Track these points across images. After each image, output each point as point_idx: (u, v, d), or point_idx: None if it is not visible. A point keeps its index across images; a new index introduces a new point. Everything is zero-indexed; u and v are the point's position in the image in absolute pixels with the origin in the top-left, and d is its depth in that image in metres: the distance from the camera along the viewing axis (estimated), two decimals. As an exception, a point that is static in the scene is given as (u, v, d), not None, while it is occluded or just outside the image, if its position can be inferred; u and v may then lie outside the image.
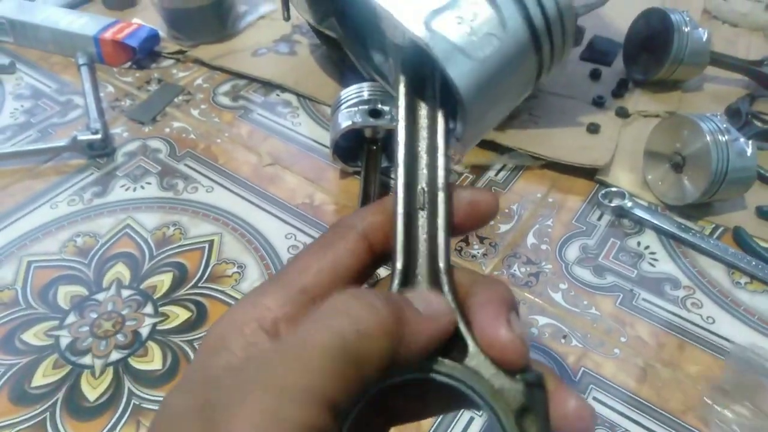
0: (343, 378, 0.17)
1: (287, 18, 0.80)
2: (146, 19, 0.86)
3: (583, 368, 0.49)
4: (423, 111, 0.25)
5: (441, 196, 0.23)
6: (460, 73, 0.23)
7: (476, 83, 0.24)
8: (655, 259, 0.57)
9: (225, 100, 0.75)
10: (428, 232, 0.23)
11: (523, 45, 0.25)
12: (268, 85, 0.77)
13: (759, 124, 0.67)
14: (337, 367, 0.17)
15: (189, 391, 0.19)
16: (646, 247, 0.58)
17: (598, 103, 0.73)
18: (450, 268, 0.23)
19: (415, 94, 0.25)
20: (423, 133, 0.25)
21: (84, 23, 0.81)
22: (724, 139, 0.56)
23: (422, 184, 0.24)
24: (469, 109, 0.24)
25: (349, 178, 0.65)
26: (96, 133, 0.66)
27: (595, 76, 0.78)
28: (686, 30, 0.70)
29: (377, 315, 0.19)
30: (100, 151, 0.66)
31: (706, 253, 0.57)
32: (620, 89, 0.75)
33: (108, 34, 0.79)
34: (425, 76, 0.25)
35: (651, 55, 0.74)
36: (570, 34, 0.27)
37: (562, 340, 0.50)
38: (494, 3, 0.24)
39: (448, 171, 0.24)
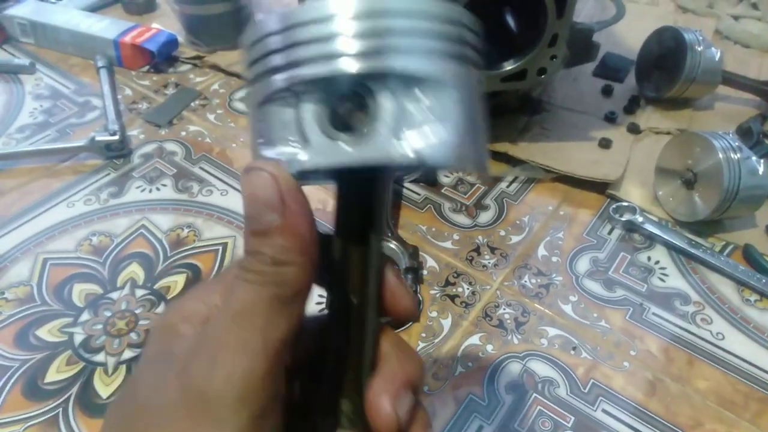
0: (280, 316, 0.21)
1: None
2: (165, 25, 0.87)
3: (592, 380, 0.49)
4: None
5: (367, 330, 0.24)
6: (450, 151, 0.21)
7: (464, 142, 0.21)
8: (666, 275, 0.58)
9: (241, 106, 0.76)
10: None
11: (465, 76, 0.22)
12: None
13: (770, 143, 0.68)
14: (273, 310, 0.21)
15: (159, 363, 0.22)
16: (657, 262, 0.59)
17: (610, 118, 0.74)
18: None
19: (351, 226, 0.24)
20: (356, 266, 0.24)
21: (104, 26, 0.83)
22: (736, 157, 0.56)
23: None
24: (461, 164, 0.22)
25: (362, 185, 0.65)
26: (114, 134, 0.67)
27: (607, 92, 0.78)
28: (699, 49, 0.71)
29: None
30: (117, 152, 0.67)
31: (716, 269, 0.57)
32: (632, 105, 0.76)
33: (127, 38, 0.80)
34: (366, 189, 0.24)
35: (663, 72, 0.75)
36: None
37: (572, 352, 0.51)
38: (423, 79, 0.21)
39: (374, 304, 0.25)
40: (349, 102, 0.21)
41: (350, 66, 0.20)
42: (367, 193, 0.24)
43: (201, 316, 0.23)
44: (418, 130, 0.20)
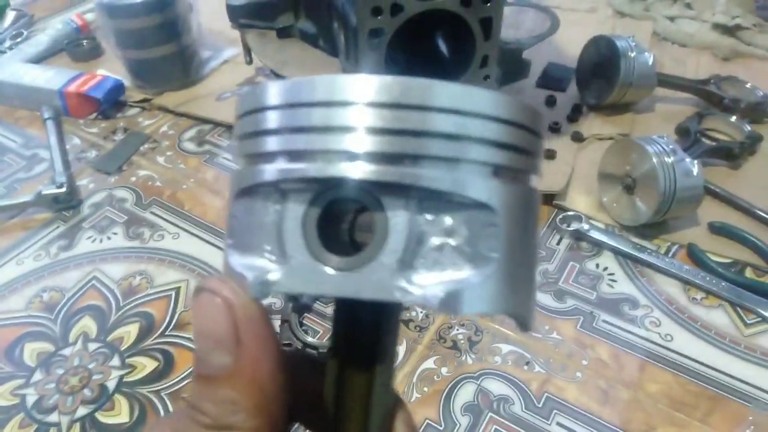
0: None
1: (249, 62, 0.82)
2: (113, 69, 0.87)
3: (546, 393, 0.49)
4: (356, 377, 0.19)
5: None
6: (481, 302, 0.16)
7: (502, 292, 0.16)
8: (614, 280, 0.59)
9: (190, 146, 0.77)
10: None
11: (523, 198, 0.17)
12: (233, 129, 0.79)
13: (707, 141, 0.70)
14: None
15: None
16: (605, 269, 0.60)
17: (554, 129, 0.75)
18: None
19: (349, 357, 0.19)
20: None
21: (49, 77, 0.83)
22: (669, 160, 0.58)
23: None
24: (514, 316, 0.17)
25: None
26: (61, 186, 0.67)
27: (550, 102, 0.80)
28: (632, 55, 0.73)
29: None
30: (66, 204, 0.67)
31: (662, 271, 0.59)
32: (575, 114, 0.77)
33: (72, 87, 0.80)
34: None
35: (602, 79, 0.77)
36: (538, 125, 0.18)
37: (525, 367, 0.51)
38: (455, 198, 0.16)
39: None
40: (350, 215, 0.16)
41: (358, 170, 0.15)
42: (374, 319, 0.19)
43: None
44: (436, 267, 0.16)
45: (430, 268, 0.16)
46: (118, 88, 0.83)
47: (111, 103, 0.82)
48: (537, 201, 0.17)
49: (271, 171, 0.16)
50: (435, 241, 0.16)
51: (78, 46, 0.94)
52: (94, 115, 0.82)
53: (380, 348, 0.19)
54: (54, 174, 0.70)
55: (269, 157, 0.16)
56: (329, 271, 0.16)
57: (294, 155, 0.16)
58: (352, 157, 0.15)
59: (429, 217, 0.16)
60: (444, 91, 0.15)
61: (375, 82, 0.15)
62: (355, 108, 0.15)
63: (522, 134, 0.16)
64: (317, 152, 0.15)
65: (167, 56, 0.82)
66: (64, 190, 0.67)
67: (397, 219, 0.15)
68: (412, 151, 0.15)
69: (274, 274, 0.16)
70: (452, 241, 0.16)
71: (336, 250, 0.16)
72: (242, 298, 0.16)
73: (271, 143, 0.16)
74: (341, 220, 0.17)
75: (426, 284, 0.15)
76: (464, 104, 0.15)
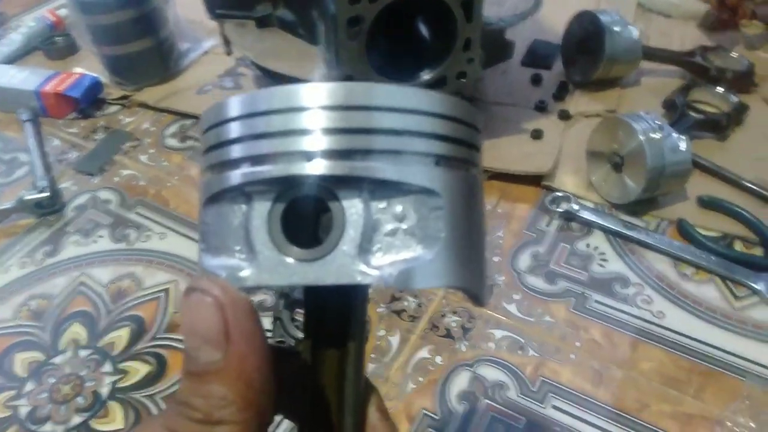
0: None
1: (229, 53, 0.80)
2: (89, 67, 0.85)
3: (541, 377, 0.50)
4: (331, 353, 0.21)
5: None
6: (432, 278, 0.18)
7: (450, 267, 0.18)
8: (605, 260, 0.59)
9: (173, 142, 0.76)
10: None
11: (464, 183, 0.19)
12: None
13: (694, 114, 0.69)
14: None
15: None
16: (596, 248, 0.60)
17: (541, 107, 0.74)
18: None
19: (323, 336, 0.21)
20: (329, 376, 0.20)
21: (24, 78, 0.81)
22: (657, 136, 0.58)
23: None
24: (464, 288, 0.19)
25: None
26: (43, 191, 0.66)
27: (536, 81, 0.79)
28: (617, 29, 0.72)
29: None
30: (49, 208, 0.66)
31: (652, 248, 0.59)
32: (561, 92, 0.77)
33: (49, 87, 0.79)
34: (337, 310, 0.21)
35: (587, 56, 0.76)
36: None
37: (519, 351, 0.51)
38: (398, 187, 0.17)
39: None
40: (309, 209, 0.18)
41: (314, 167, 0.17)
42: (342, 306, 0.20)
43: None
44: (392, 250, 0.17)
45: (386, 251, 0.17)
46: (96, 85, 0.81)
47: (89, 102, 0.80)
48: (479, 185, 0.19)
49: (236, 176, 0.18)
50: (388, 226, 0.17)
51: (53, 44, 0.91)
52: (73, 114, 0.80)
53: (349, 327, 0.20)
54: (35, 178, 0.69)
55: (234, 163, 0.18)
56: (294, 262, 0.17)
57: (256, 159, 0.17)
58: (308, 156, 0.17)
59: (381, 205, 0.17)
60: (383, 93, 0.17)
61: (323, 88, 0.17)
62: (308, 113, 0.17)
63: (458, 127, 0.18)
64: (277, 155, 0.17)
65: (145, 50, 0.80)
66: (46, 194, 0.65)
67: (353, 209, 0.17)
68: (360, 146, 0.17)
69: (245, 271, 0.18)
70: (403, 225, 0.17)
71: (301, 245, 0.17)
72: (231, 296, 0.17)
73: (235, 151, 0.18)
74: (305, 221, 0.18)
75: (382, 265, 0.17)
76: (402, 103, 0.17)
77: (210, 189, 0.18)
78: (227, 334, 0.16)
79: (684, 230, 0.60)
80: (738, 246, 0.59)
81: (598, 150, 0.64)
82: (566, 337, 0.52)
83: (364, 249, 0.17)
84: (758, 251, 0.58)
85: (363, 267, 0.17)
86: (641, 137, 0.57)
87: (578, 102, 0.76)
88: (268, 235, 0.18)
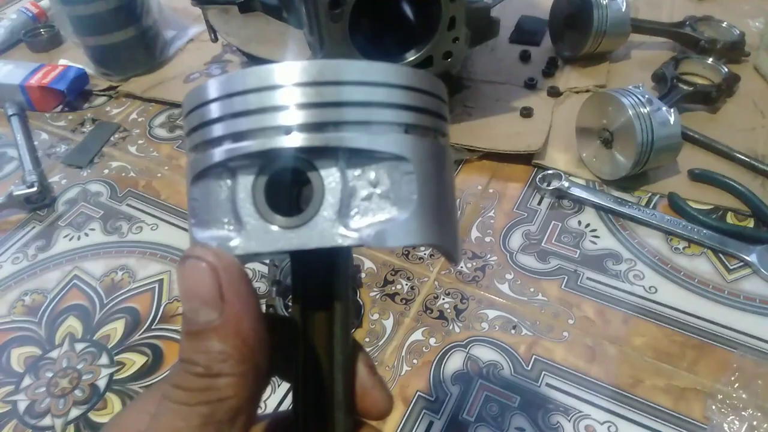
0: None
1: (215, 40, 0.79)
2: (74, 58, 0.84)
3: (534, 356, 0.50)
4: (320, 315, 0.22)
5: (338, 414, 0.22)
6: (407, 236, 0.19)
7: (423, 227, 0.19)
8: (597, 236, 0.59)
9: (162, 132, 0.75)
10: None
11: (432, 150, 0.20)
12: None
13: (684, 86, 0.69)
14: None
15: None
16: (587, 225, 0.60)
17: (530, 85, 0.74)
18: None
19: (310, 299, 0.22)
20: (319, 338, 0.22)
21: (8, 72, 0.80)
22: (646, 110, 0.57)
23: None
24: (438, 246, 0.20)
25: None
26: (32, 185, 0.65)
27: (525, 58, 0.78)
28: (604, 2, 0.71)
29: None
30: (39, 203, 0.66)
31: (644, 223, 0.59)
32: (550, 68, 0.76)
33: (34, 81, 0.78)
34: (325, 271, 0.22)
35: (575, 31, 0.75)
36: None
37: (513, 331, 0.52)
38: (371, 155, 0.19)
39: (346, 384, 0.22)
40: (290, 180, 0.19)
41: (292, 140, 0.18)
42: (327, 270, 0.22)
43: (138, 429, 0.21)
44: (368, 213, 0.19)
45: (363, 214, 0.19)
46: (82, 77, 0.80)
47: (76, 94, 0.80)
48: (447, 151, 0.21)
49: (220, 152, 0.19)
50: (363, 191, 0.19)
51: (36, 36, 0.90)
52: (60, 107, 0.79)
53: (334, 288, 0.22)
54: (24, 173, 0.68)
55: (217, 141, 0.19)
56: (279, 230, 0.19)
57: (237, 136, 0.18)
58: (286, 130, 0.18)
59: (356, 172, 0.19)
60: (352, 68, 0.18)
61: (295, 66, 0.18)
62: (282, 90, 0.18)
63: (424, 97, 0.20)
64: (257, 130, 0.18)
65: (129, 40, 0.79)
66: (35, 189, 0.65)
67: (330, 177, 0.18)
68: (333, 119, 0.18)
69: (234, 240, 0.19)
70: (377, 190, 0.19)
71: (283, 212, 0.19)
72: (224, 261, 0.18)
73: (217, 129, 0.19)
74: (287, 192, 0.19)
75: (360, 227, 0.18)
76: (370, 77, 0.19)
77: (196, 167, 0.20)
78: (222, 296, 0.18)
79: (675, 204, 0.60)
80: (730, 218, 0.59)
81: (588, 126, 0.63)
82: (559, 315, 0.53)
83: (343, 213, 0.19)
84: (750, 223, 0.58)
85: (342, 230, 0.18)
86: (630, 112, 0.57)
87: (568, 78, 0.75)
88: (254, 206, 0.19)
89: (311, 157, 0.18)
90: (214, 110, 0.19)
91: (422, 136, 0.19)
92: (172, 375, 0.19)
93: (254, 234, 0.19)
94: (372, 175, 0.19)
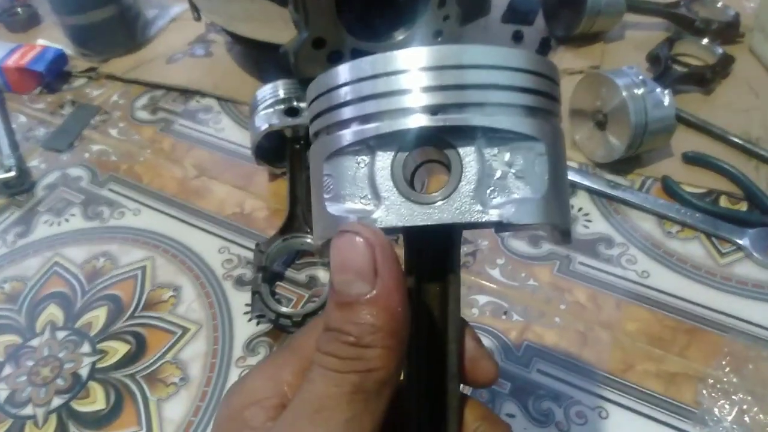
0: (364, 411, 0.19)
1: (198, 18, 0.77)
2: (52, 38, 0.82)
3: (525, 342, 0.49)
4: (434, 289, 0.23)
5: (450, 386, 0.23)
6: (539, 215, 0.20)
7: (553, 206, 0.20)
8: (589, 220, 0.58)
9: (144, 115, 0.73)
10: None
11: (556, 131, 0.21)
12: (187, 92, 0.75)
13: (679, 68, 0.67)
14: (355, 405, 0.19)
15: None
16: (580, 209, 0.59)
17: (522, 66, 0.72)
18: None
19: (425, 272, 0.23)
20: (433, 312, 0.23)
21: (-16, 52, 0.77)
22: (640, 92, 0.56)
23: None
24: (558, 228, 0.21)
25: (279, 179, 0.63)
26: (9, 170, 0.63)
27: (517, 38, 0.77)
28: (599, -19, 0.70)
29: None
30: (18, 188, 0.64)
31: (637, 207, 0.58)
32: (544, 48, 0.75)
33: (11, 62, 0.75)
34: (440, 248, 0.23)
35: (569, 10, 0.74)
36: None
37: (503, 317, 0.51)
38: (507, 135, 0.20)
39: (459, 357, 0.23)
40: (427, 158, 0.20)
41: (432, 120, 0.19)
42: (444, 244, 0.22)
43: (271, 399, 0.21)
44: (504, 191, 0.19)
45: (500, 193, 0.19)
46: (61, 58, 0.78)
47: (54, 75, 0.77)
48: (563, 134, 0.22)
49: (353, 132, 0.20)
50: (499, 171, 0.19)
51: (13, 15, 0.87)
52: (38, 89, 0.77)
53: (450, 261, 0.22)
54: (2, 157, 0.66)
55: (350, 123, 0.20)
56: (418, 205, 0.19)
57: (372, 117, 0.19)
58: (426, 110, 0.19)
59: (493, 152, 0.19)
60: (490, 53, 0.19)
61: (426, 51, 0.19)
62: (414, 72, 0.19)
63: (545, 81, 0.20)
64: (397, 110, 0.19)
65: (109, 19, 0.77)
66: (13, 173, 0.63)
67: (469, 156, 0.19)
68: (475, 100, 0.19)
69: (375, 213, 0.20)
70: (513, 170, 0.20)
71: (420, 189, 0.20)
72: (380, 239, 0.19)
73: (349, 111, 0.20)
74: (420, 167, 0.20)
75: (498, 204, 0.19)
76: (505, 62, 0.19)
77: (328, 146, 0.20)
78: (376, 270, 0.18)
79: (669, 188, 0.59)
80: (723, 202, 0.59)
81: (581, 108, 0.62)
82: (551, 300, 0.52)
83: (480, 192, 0.19)
84: (743, 206, 0.58)
85: (480, 207, 0.19)
86: (624, 93, 0.56)
87: (561, 58, 0.74)
88: (393, 182, 0.20)
89: (450, 136, 0.19)
90: (345, 94, 0.20)
91: (548, 118, 0.20)
92: (321, 343, 0.19)
93: (393, 209, 0.20)
94: (507, 155, 0.20)
